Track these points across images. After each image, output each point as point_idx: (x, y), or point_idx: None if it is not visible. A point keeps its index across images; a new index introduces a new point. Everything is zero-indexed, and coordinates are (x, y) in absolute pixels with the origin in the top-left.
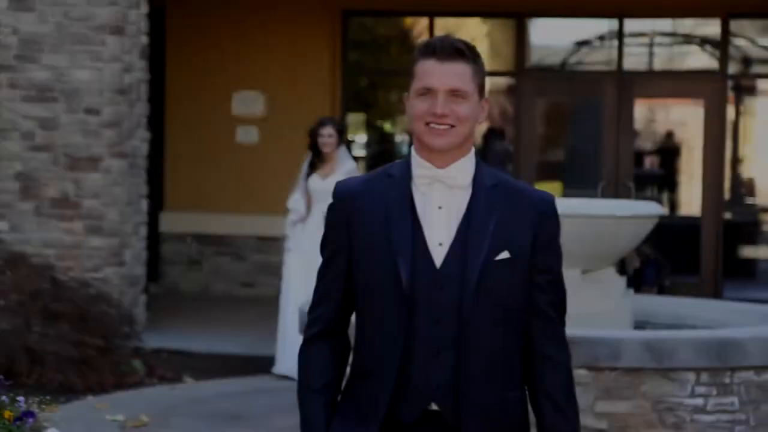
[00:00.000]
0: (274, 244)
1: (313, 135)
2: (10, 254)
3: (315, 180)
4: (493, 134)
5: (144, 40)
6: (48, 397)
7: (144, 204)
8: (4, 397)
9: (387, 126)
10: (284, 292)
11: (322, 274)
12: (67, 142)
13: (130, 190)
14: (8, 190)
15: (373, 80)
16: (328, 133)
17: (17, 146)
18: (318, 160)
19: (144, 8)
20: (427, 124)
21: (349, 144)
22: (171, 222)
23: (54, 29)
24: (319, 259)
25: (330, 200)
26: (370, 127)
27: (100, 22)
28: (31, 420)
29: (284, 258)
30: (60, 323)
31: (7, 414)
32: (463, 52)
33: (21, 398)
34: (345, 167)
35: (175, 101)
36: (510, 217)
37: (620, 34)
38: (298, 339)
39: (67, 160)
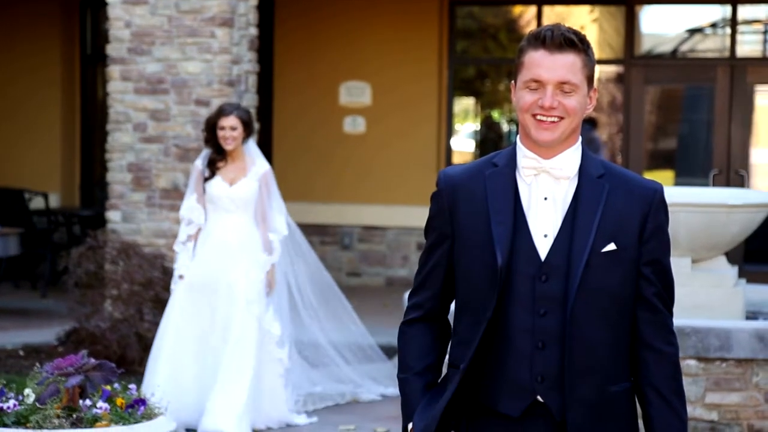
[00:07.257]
0: (379, 234)
1: (212, 127)
2: (123, 244)
3: (218, 185)
4: (583, 123)
5: (253, 32)
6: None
7: None
8: (116, 385)
9: (495, 115)
10: (161, 329)
11: (425, 260)
12: (177, 133)
13: None
14: (120, 181)
15: (480, 69)
16: (230, 124)
17: (129, 137)
18: (219, 158)
19: (253, 0)
20: (534, 115)
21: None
22: None
23: (165, 22)
24: (215, 289)
25: (238, 210)
26: (478, 116)
27: (209, 14)
28: (142, 407)
29: (171, 287)
30: None
31: (119, 401)
32: (574, 42)
33: (133, 386)
34: (257, 168)
35: (283, 92)
36: (617, 208)
37: (733, 21)
38: (177, 392)
39: (178, 151)
